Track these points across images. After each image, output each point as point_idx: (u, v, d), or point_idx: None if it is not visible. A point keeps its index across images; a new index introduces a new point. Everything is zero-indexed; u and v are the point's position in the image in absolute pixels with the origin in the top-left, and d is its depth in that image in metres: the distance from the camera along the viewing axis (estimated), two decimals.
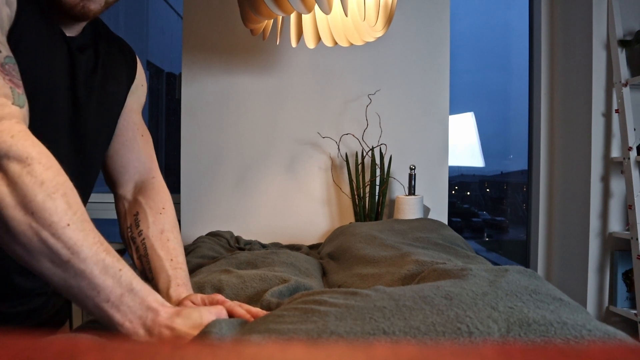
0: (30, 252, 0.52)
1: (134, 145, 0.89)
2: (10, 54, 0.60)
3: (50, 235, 0.52)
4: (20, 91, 0.59)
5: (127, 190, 0.89)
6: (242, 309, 0.69)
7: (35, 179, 0.52)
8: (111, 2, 0.73)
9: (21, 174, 0.52)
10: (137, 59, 0.91)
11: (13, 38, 0.62)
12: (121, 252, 0.65)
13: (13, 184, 0.51)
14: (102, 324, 0.58)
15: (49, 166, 0.54)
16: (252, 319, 0.65)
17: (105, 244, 0.57)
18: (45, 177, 0.53)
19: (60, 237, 0.52)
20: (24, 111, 0.59)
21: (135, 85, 0.90)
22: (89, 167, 0.82)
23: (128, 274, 0.57)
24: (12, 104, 0.57)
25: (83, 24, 0.77)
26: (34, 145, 0.54)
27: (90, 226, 0.56)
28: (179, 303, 0.71)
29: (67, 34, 0.74)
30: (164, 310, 0.59)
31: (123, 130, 0.88)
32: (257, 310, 0.70)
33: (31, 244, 0.52)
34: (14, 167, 0.52)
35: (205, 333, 0.52)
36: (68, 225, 0.53)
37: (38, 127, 0.60)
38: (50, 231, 0.52)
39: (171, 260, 0.78)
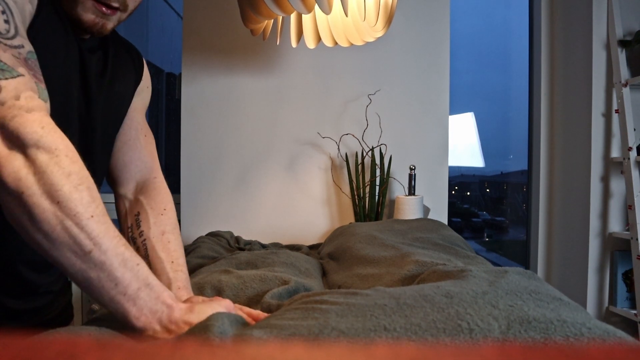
0: (52, 241, 0.52)
1: (136, 144, 0.89)
2: (32, 49, 0.60)
3: (74, 225, 0.52)
4: (43, 86, 0.60)
5: (128, 189, 0.89)
6: (243, 312, 0.69)
7: (63, 170, 0.53)
8: (123, 19, 0.76)
9: (49, 164, 0.53)
10: (144, 62, 0.92)
11: (31, 34, 0.63)
12: None
13: (40, 172, 0.52)
14: (114, 318, 0.58)
15: (75, 160, 0.56)
16: (254, 322, 0.65)
17: (123, 239, 0.58)
18: (72, 169, 0.54)
19: (83, 228, 0.53)
20: (48, 106, 0.60)
21: (141, 87, 0.91)
22: (96, 168, 0.83)
23: (144, 269, 0.58)
24: (38, 97, 0.58)
25: None
26: (62, 139, 0.55)
27: (110, 220, 0.57)
28: None
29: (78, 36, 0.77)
30: (178, 306, 0.60)
31: (127, 129, 0.89)
32: (257, 313, 0.70)
33: (54, 233, 0.52)
34: (42, 157, 0.53)
35: (207, 326, 0.52)
36: (92, 216, 0.54)
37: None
38: (75, 221, 0.52)
39: (172, 262, 0.78)
